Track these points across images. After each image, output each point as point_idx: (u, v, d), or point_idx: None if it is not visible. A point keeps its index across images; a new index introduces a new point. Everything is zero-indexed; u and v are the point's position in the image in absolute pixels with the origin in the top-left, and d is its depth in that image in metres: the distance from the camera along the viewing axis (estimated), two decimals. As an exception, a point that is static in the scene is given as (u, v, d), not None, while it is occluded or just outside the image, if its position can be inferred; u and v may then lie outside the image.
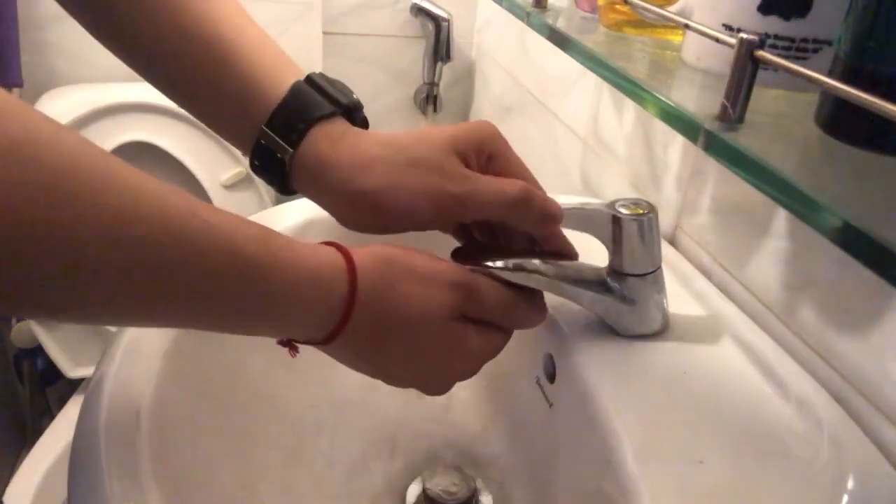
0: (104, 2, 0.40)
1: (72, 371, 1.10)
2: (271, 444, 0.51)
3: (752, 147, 0.37)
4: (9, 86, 0.97)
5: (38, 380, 1.27)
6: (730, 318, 0.48)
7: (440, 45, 1.19)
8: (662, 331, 0.45)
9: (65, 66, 1.09)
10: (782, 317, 0.46)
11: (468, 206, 0.39)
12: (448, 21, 1.17)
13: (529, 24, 0.71)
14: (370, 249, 0.37)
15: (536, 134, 0.96)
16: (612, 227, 0.42)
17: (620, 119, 0.70)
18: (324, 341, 0.36)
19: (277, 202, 1.14)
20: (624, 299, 0.43)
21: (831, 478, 0.35)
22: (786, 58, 0.37)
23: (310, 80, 0.41)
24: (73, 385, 1.16)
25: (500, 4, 0.83)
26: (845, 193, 0.35)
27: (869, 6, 0.33)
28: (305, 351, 0.37)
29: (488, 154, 0.41)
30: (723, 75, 0.40)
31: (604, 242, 0.43)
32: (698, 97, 0.46)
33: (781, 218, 0.46)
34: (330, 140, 0.40)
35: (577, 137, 0.82)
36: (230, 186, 1.12)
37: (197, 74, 0.41)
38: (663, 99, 0.45)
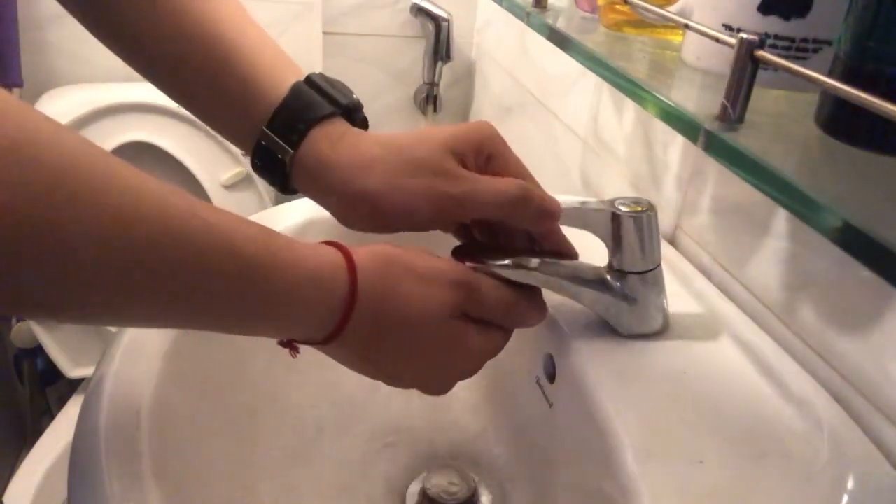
0: (105, 1, 0.40)
1: (72, 371, 1.10)
2: (271, 444, 0.51)
3: (752, 147, 0.37)
4: (9, 86, 0.97)
5: (38, 380, 1.27)
6: (730, 318, 0.48)
7: (440, 45, 1.19)
8: (662, 330, 0.45)
9: (65, 66, 1.09)
10: (782, 317, 0.46)
11: (467, 206, 0.39)
12: (448, 21, 1.17)
13: (529, 24, 0.71)
14: (370, 249, 0.37)
15: (536, 134, 0.96)
16: (612, 224, 0.42)
17: (620, 119, 0.70)
18: (324, 341, 0.36)
19: (277, 202, 1.14)
20: (624, 297, 0.43)
21: (831, 478, 0.35)
22: (786, 58, 0.37)
23: (310, 80, 0.41)
24: (73, 385, 1.16)
25: (500, 4, 0.83)
26: (845, 193, 0.35)
27: (869, 6, 0.33)
28: (306, 351, 0.37)
29: (487, 154, 0.41)
30: (723, 75, 0.40)
31: (603, 240, 0.43)
32: (698, 97, 0.46)
33: (781, 218, 0.46)
34: (330, 141, 0.40)
35: (577, 137, 0.82)
36: (230, 186, 1.12)
37: (197, 74, 0.41)
38: (663, 99, 0.45)
